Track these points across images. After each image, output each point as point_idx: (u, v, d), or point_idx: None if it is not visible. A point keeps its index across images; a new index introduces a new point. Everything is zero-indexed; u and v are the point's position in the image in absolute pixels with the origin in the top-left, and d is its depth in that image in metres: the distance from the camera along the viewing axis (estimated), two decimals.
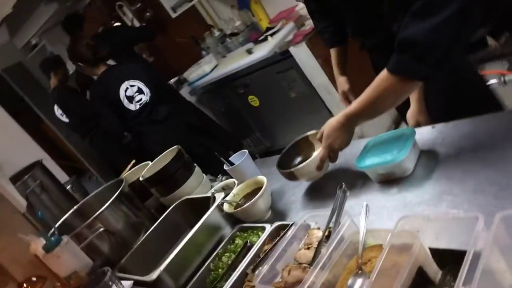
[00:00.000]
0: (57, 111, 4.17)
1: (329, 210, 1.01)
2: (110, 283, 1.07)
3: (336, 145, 1.22)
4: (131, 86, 2.79)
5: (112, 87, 2.76)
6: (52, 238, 1.13)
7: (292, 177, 1.32)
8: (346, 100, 1.84)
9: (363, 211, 0.93)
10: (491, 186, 0.91)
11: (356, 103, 1.15)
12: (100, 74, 2.79)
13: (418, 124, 1.39)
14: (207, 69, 3.74)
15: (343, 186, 1.00)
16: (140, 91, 2.80)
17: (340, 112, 1.21)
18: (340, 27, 1.70)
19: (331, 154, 1.24)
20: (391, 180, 1.14)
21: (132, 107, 2.79)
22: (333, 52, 1.82)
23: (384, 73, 1.07)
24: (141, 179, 1.63)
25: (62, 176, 3.03)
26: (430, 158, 1.14)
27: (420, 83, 1.09)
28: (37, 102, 5.39)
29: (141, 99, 2.79)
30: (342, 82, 1.82)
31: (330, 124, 1.22)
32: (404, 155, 1.10)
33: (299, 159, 1.41)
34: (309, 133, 1.40)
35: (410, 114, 1.41)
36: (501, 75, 2.16)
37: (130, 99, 2.78)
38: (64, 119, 4.19)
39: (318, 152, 1.27)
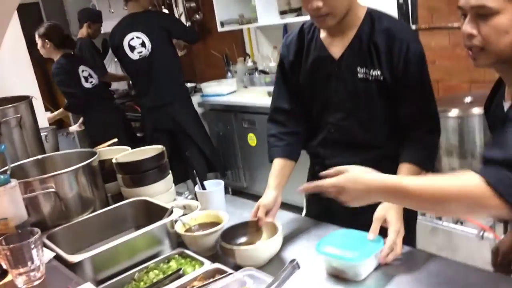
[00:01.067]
0: None
1: (271, 278, 0.99)
2: (33, 245, 1.02)
3: (346, 201, 1.04)
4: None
5: None
6: (1, 176, 1.09)
7: (229, 255, 1.23)
8: (257, 215, 1.37)
9: None
10: None
11: (415, 182, 0.95)
12: None
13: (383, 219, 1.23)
14: (224, 90, 3.77)
15: (295, 261, 0.98)
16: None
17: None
18: (298, 140, 1.54)
19: None
20: (340, 278, 1.12)
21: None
22: (279, 162, 1.50)
23: (476, 178, 0.89)
24: (113, 161, 1.60)
25: (42, 121, 2.97)
26: (386, 274, 1.13)
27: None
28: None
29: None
30: (269, 195, 1.41)
31: (357, 178, 1.01)
32: (361, 260, 1.09)
33: (243, 239, 1.34)
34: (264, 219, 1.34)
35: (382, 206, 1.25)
36: (482, 229, 2.19)
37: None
38: None
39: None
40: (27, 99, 2.38)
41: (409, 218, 1.33)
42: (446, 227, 2.32)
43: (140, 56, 3.42)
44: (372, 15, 1.37)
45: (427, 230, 2.40)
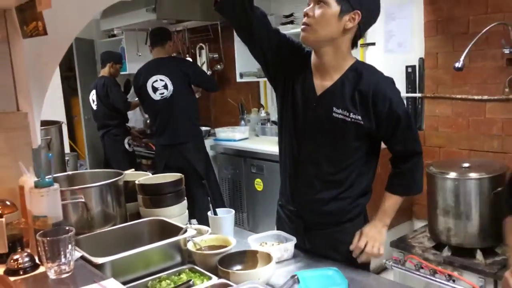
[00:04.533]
0: (92, 96, 4.46)
1: None
2: (68, 241, 1.16)
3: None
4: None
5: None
6: (47, 179, 1.25)
7: (225, 277, 1.31)
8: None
9: None
10: None
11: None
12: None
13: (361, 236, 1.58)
14: (237, 136, 3.97)
15: (296, 276, 1.11)
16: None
17: None
18: None
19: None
20: None
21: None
22: None
23: None
24: (136, 182, 1.76)
25: (65, 147, 3.16)
26: None
27: None
28: (82, 78, 5.70)
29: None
30: None
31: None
32: None
33: (239, 266, 1.43)
34: (260, 249, 1.48)
35: (368, 226, 1.60)
36: None
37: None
38: (94, 105, 4.45)
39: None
40: (57, 124, 2.59)
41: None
42: (439, 282, 2.40)
43: (161, 97, 3.69)
44: (360, 67, 1.54)
45: (420, 285, 2.48)
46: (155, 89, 3.71)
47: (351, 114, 1.50)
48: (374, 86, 1.49)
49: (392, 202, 1.62)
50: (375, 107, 1.49)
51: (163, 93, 3.69)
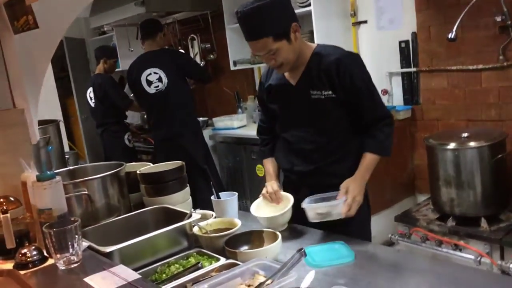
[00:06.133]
0: (89, 93, 4.42)
1: (280, 265, 1.12)
2: (75, 231, 1.17)
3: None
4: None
5: None
6: (48, 172, 1.25)
7: (233, 257, 1.34)
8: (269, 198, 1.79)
9: (308, 276, 1.04)
10: None
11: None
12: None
13: (346, 189, 1.62)
14: (235, 124, 3.97)
15: (303, 250, 1.12)
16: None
17: None
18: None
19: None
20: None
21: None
22: (270, 161, 1.92)
23: None
24: (138, 172, 1.76)
25: (65, 145, 3.16)
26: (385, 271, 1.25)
27: None
28: (76, 78, 5.68)
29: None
30: (274, 184, 1.82)
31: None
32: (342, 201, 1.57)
33: (245, 247, 1.46)
34: (265, 229, 1.51)
35: (348, 180, 1.66)
36: (480, 255, 2.29)
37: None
38: (91, 103, 4.42)
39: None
40: (55, 122, 2.58)
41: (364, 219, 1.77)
42: (445, 252, 2.42)
43: (156, 90, 3.64)
44: (320, 51, 1.72)
45: (427, 257, 2.50)
46: (149, 83, 3.65)
47: (323, 91, 1.68)
48: (335, 62, 1.65)
49: (369, 159, 1.70)
50: (339, 80, 1.65)
51: (157, 86, 3.63)
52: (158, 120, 3.74)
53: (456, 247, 2.40)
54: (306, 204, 1.59)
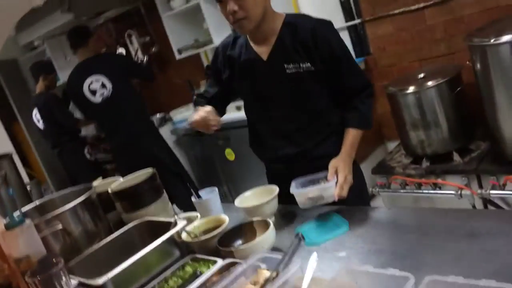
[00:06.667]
0: (35, 115, 4.19)
1: (281, 254, 1.10)
2: (61, 273, 1.10)
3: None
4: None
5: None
6: (16, 217, 1.16)
7: (229, 256, 1.30)
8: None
9: (311, 260, 1.02)
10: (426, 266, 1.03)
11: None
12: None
13: (335, 169, 1.53)
14: None
15: (300, 234, 1.09)
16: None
17: None
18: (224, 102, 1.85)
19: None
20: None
21: None
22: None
23: None
24: (109, 190, 1.68)
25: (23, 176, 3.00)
26: (382, 233, 1.25)
27: None
28: (17, 101, 5.39)
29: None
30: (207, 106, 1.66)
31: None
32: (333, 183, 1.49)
33: (239, 241, 1.42)
34: (254, 219, 1.46)
35: (335, 159, 1.57)
36: (459, 189, 2.35)
37: None
38: (40, 125, 4.20)
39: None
40: (7, 156, 2.43)
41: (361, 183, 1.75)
42: (426, 193, 2.48)
43: (102, 98, 3.46)
44: (292, 20, 1.59)
45: (409, 201, 2.55)
46: (93, 92, 3.46)
47: (301, 64, 1.56)
48: (311, 31, 1.55)
49: (353, 135, 1.63)
50: (317, 50, 1.55)
51: (103, 93, 3.45)
52: (112, 128, 3.60)
53: (436, 186, 2.46)
54: (295, 189, 1.50)
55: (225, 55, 1.72)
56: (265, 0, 1.52)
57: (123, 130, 3.53)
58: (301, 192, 1.48)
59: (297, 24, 1.57)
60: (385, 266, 1.06)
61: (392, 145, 3.23)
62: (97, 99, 3.47)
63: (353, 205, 1.54)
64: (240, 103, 3.71)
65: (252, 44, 1.64)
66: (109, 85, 3.45)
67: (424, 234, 1.17)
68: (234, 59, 1.69)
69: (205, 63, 4.34)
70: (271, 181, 1.78)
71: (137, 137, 3.53)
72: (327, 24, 1.61)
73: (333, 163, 1.55)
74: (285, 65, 1.58)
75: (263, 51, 1.61)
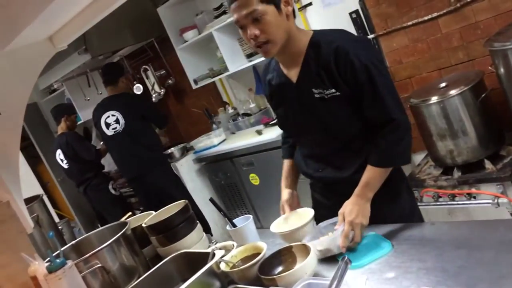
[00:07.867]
0: (59, 155, 4.27)
1: (329, 280, 1.07)
2: None
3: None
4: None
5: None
6: (57, 260, 1.16)
7: (272, 284, 1.27)
8: (282, 209, 1.73)
9: (360, 282, 0.98)
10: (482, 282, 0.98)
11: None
12: None
13: (343, 215, 1.43)
14: (215, 142, 3.89)
15: (346, 257, 1.07)
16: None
17: None
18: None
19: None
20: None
21: None
22: (287, 163, 1.81)
23: None
24: (144, 225, 1.67)
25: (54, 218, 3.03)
26: (429, 250, 1.21)
27: None
28: (40, 143, 5.50)
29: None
30: (285, 194, 1.74)
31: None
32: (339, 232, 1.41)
33: (279, 268, 1.38)
34: (293, 244, 1.41)
35: (346, 202, 1.46)
36: (495, 197, 2.28)
37: None
38: (64, 164, 4.27)
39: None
40: (38, 198, 2.46)
41: (398, 179, 1.60)
42: (461, 204, 2.42)
43: (114, 132, 3.72)
44: (317, 40, 1.47)
45: (444, 214, 2.49)
46: (107, 125, 3.75)
47: (325, 90, 1.47)
48: (334, 52, 1.43)
49: (371, 173, 1.46)
50: (339, 73, 1.43)
51: (115, 128, 3.72)
52: (122, 161, 3.85)
53: (470, 196, 2.39)
54: (306, 241, 1.40)
55: (265, 80, 1.68)
56: (287, 21, 1.44)
57: (132, 164, 3.75)
58: (311, 244, 1.37)
59: (321, 44, 1.46)
60: (439, 285, 1.03)
61: (418, 158, 3.17)
62: (110, 132, 3.75)
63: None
64: (260, 127, 3.73)
65: (281, 66, 1.58)
66: (122, 121, 3.71)
67: (475, 248, 1.13)
68: (270, 84, 1.64)
69: (221, 90, 4.38)
70: (314, 191, 1.78)
71: (145, 171, 3.71)
72: (356, 42, 1.47)
73: (342, 207, 1.44)
74: (313, 89, 1.49)
75: (292, 74, 1.54)
